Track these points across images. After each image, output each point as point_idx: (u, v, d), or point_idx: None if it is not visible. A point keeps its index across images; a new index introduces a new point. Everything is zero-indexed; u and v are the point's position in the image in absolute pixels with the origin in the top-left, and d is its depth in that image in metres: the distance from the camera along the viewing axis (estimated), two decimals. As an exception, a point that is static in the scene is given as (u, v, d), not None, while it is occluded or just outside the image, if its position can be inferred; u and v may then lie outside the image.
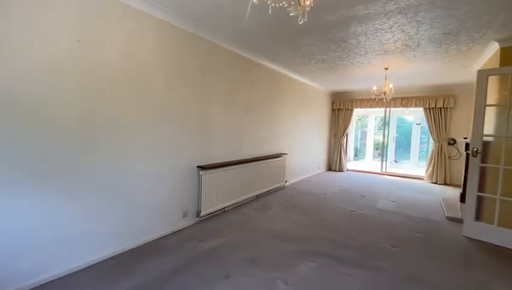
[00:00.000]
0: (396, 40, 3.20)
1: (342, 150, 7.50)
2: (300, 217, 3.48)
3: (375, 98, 4.94)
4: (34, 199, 1.82)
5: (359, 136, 10.67)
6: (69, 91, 1.96)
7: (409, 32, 2.94)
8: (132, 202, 2.46)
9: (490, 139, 3.00)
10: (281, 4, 1.30)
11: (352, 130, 8.28)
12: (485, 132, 2.89)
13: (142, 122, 2.50)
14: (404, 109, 6.93)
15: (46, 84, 1.84)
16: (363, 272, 2.20)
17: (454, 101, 5.98)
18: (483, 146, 2.92)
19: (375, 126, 10.34)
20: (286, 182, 5.19)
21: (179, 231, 2.91)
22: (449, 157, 6.10)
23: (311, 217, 3.49)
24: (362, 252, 2.55)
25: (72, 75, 1.97)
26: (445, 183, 6.04)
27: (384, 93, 4.60)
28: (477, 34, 2.93)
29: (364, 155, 10.29)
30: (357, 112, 7.68)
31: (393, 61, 4.12)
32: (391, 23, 2.71)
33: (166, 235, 2.78)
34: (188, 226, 3.04)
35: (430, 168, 6.26)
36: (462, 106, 5.92)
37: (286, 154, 5.05)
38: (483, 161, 2.95)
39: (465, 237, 3.01)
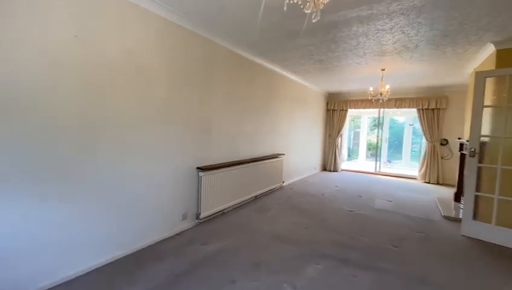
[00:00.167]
0: (396, 41, 3.22)
1: (337, 150, 7.55)
2: (301, 218, 3.45)
3: (371, 99, 4.98)
4: (26, 201, 1.71)
5: (352, 137, 10.79)
6: (68, 90, 1.86)
7: (409, 34, 2.96)
8: (131, 205, 2.37)
9: (486, 139, 3.05)
10: (295, 1, 1.26)
11: (346, 130, 8.35)
12: (481, 133, 2.94)
13: (143, 122, 2.41)
14: (396, 110, 7.03)
15: (45, 83, 1.74)
16: (370, 274, 2.18)
17: (446, 102, 6.10)
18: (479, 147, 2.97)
19: (368, 127, 10.49)
20: (283, 182, 5.16)
21: (178, 234, 2.83)
22: (441, 157, 6.23)
23: (312, 218, 3.47)
24: (366, 254, 2.54)
25: (72, 73, 1.87)
26: (437, 183, 6.16)
27: (381, 94, 4.64)
28: (474, 36, 2.98)
29: (357, 155, 10.40)
30: (350, 113, 7.74)
31: (390, 63, 4.15)
32: (393, 24, 2.72)
33: (166, 239, 2.70)
34: (188, 229, 2.96)
35: (423, 168, 6.37)
36: (454, 107, 6.06)
37: (283, 154, 5.02)
38: (479, 161, 2.99)
39: (463, 236, 3.05)
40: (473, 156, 2.97)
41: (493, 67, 3.16)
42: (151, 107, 2.49)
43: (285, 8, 1.34)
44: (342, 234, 2.98)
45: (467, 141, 3.48)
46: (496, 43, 3.11)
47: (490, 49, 3.29)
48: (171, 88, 2.68)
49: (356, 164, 9.44)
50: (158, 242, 2.62)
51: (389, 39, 3.14)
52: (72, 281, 1.94)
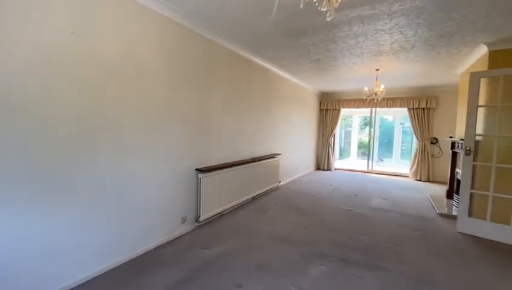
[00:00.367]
0: (393, 42, 3.25)
1: (330, 149, 7.61)
2: (300, 219, 3.44)
3: (366, 99, 5.03)
4: (19, 207, 1.60)
5: (343, 136, 10.92)
6: (65, 89, 1.75)
7: (406, 34, 2.99)
8: (131, 209, 2.27)
9: (479, 138, 3.12)
10: (310, -1, 1.22)
11: (337, 130, 8.41)
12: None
13: (142, 122, 2.32)
14: (386, 109, 7.13)
15: (40, 82, 1.62)
16: (374, 273, 2.19)
17: (436, 101, 6.26)
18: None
19: (358, 126, 10.65)
20: (280, 182, 5.15)
21: (178, 238, 2.75)
22: (432, 156, 6.38)
23: (311, 218, 3.46)
24: (367, 253, 2.54)
25: (68, 71, 1.76)
26: (428, 180, 6.31)
27: (376, 94, 4.69)
28: (470, 37, 3.04)
29: (348, 154, 10.55)
30: (342, 112, 7.80)
31: (386, 63, 4.20)
32: (392, 24, 2.73)
33: (166, 243, 2.61)
34: (187, 233, 2.89)
35: (415, 166, 6.51)
36: (444, 106, 6.22)
37: (280, 154, 5.00)
38: (474, 159, 3.06)
39: (459, 232, 3.12)
40: (469, 154, 3.04)
41: (485, 68, 3.24)
42: (151, 107, 2.40)
43: (301, 6, 1.30)
44: (342, 234, 2.98)
45: (461, 139, 3.57)
46: (488, 44, 3.18)
47: (482, 50, 3.37)
48: (170, 87, 2.60)
49: (348, 162, 9.57)
50: (158, 247, 2.53)
51: (387, 39, 3.16)
52: (70, 292, 1.84)
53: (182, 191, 2.83)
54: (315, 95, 7.33)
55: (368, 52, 3.67)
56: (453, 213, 3.75)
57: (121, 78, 2.12)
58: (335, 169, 7.75)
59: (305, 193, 4.78)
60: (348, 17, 2.59)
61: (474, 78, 3.00)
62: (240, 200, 3.80)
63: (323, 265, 2.30)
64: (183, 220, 2.86)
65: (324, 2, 1.16)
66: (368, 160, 7.54)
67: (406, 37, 3.08)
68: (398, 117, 9.02)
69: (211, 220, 3.21)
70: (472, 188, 3.09)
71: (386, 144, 10.10)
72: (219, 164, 3.35)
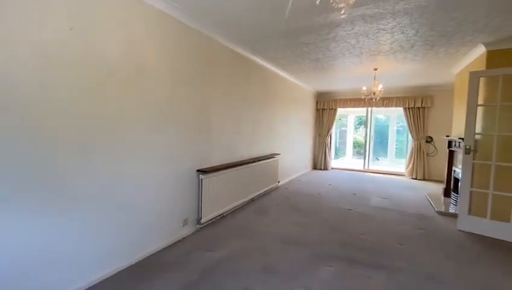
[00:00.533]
0: (394, 41, 3.26)
1: (327, 149, 7.63)
2: (302, 219, 3.41)
3: (364, 98, 5.05)
4: (17, 211, 1.52)
5: (338, 135, 11.00)
6: (64, 89, 1.67)
7: (408, 34, 3.00)
8: (131, 212, 2.20)
9: (477, 137, 3.15)
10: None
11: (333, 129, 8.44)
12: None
13: (143, 123, 2.25)
14: (380, 109, 7.19)
15: (38, 81, 1.54)
16: (383, 273, 2.17)
17: (431, 101, 6.34)
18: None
19: (353, 125, 10.73)
20: (279, 182, 5.12)
21: (180, 241, 2.68)
22: (427, 154, 6.47)
23: (313, 219, 3.44)
24: (373, 253, 2.53)
25: (68, 71, 1.68)
26: (424, 179, 6.39)
27: (374, 94, 4.71)
28: (469, 37, 3.07)
29: (344, 153, 10.61)
30: (338, 112, 7.81)
31: (384, 62, 4.22)
32: (395, 23, 2.73)
33: (169, 247, 2.54)
34: (189, 235, 2.82)
35: (410, 165, 6.59)
36: (438, 105, 6.31)
37: (279, 154, 4.97)
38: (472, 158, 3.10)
39: (460, 230, 3.15)
40: (469, 153, 3.07)
41: (482, 68, 3.28)
42: (152, 107, 2.33)
43: (317, 2, 1.26)
44: (345, 234, 2.97)
45: (459, 138, 3.61)
46: (486, 44, 3.23)
47: (480, 50, 3.42)
48: (171, 87, 2.53)
49: (343, 162, 9.62)
50: (160, 251, 2.46)
51: (388, 39, 3.17)
52: (71, 300, 1.76)
53: (183, 192, 2.76)
54: (312, 94, 7.33)
55: (367, 51, 3.68)
56: (451, 211, 3.79)
57: (122, 78, 2.05)
58: (332, 168, 7.78)
59: (305, 193, 4.77)
60: (351, 15, 2.57)
61: (474, 77, 3.04)
62: (240, 201, 3.75)
63: (330, 266, 2.27)
64: (185, 223, 2.80)
65: (342, -3, 1.13)
66: (364, 159, 7.59)
67: (407, 37, 3.10)
68: (393, 116, 9.12)
69: (212, 222, 3.15)
70: (471, 186, 3.13)
71: (380, 143, 10.21)
72: (220, 165, 3.29)
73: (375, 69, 4.60)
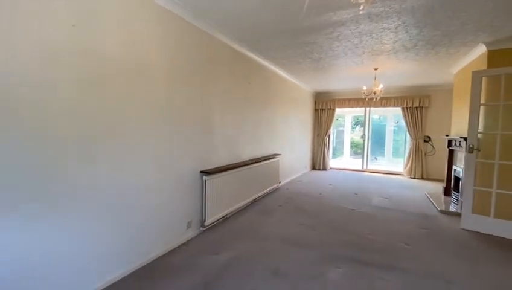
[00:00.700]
0: (397, 41, 3.25)
1: (325, 149, 7.63)
2: (307, 220, 3.37)
3: (365, 98, 5.05)
4: (16, 216, 1.44)
5: (335, 135, 11.02)
6: (65, 88, 1.60)
7: (411, 33, 3.00)
8: (134, 216, 2.13)
9: (479, 136, 3.15)
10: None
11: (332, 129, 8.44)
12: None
13: (146, 123, 2.18)
14: (378, 108, 7.21)
15: (39, 80, 1.47)
16: (393, 274, 2.15)
17: (429, 100, 6.40)
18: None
19: (350, 125, 10.76)
20: (279, 183, 5.08)
21: (184, 244, 2.62)
22: (425, 154, 6.51)
23: (317, 219, 3.40)
24: (381, 253, 2.51)
25: (69, 70, 1.61)
26: (422, 178, 6.44)
27: (374, 93, 4.72)
28: (471, 37, 3.09)
29: (341, 153, 10.64)
30: (336, 112, 7.82)
31: (385, 62, 4.23)
32: (400, 22, 2.72)
33: (173, 250, 2.48)
34: (193, 238, 2.76)
35: (409, 164, 6.63)
36: (436, 105, 6.37)
37: (280, 154, 4.94)
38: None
39: (463, 229, 3.15)
40: (472, 152, 3.08)
41: (483, 67, 3.30)
42: (153, 106, 2.26)
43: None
44: (351, 234, 2.94)
45: (461, 138, 3.63)
46: (487, 44, 3.25)
47: (480, 50, 3.44)
48: (173, 86, 2.47)
49: (341, 161, 9.63)
50: (165, 255, 2.39)
51: (391, 38, 3.16)
52: (75, 309, 1.68)
53: (187, 194, 2.70)
54: (310, 94, 7.33)
55: (369, 51, 3.67)
56: (452, 210, 3.81)
57: (123, 76, 1.98)
58: (330, 168, 7.78)
59: (306, 194, 4.74)
60: (356, 14, 2.55)
61: (477, 77, 3.05)
62: (243, 203, 3.70)
63: (339, 268, 2.24)
64: (189, 225, 2.73)
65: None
66: (363, 159, 7.61)
67: (410, 36, 3.09)
68: (389, 116, 9.18)
69: (215, 224, 3.09)
70: (474, 185, 3.13)
71: (376, 143, 10.27)
72: (222, 166, 3.24)
73: (376, 69, 4.60)
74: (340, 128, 11.00)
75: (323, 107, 7.58)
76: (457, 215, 3.61)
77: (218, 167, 3.13)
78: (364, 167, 7.55)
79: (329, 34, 3.04)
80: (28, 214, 1.46)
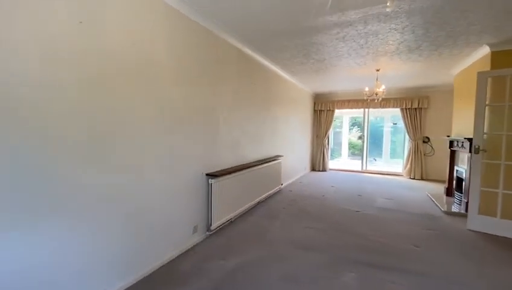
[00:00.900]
0: (402, 42, 3.24)
1: (325, 150, 7.62)
2: (313, 223, 3.33)
3: (367, 99, 5.05)
4: (17, 226, 1.35)
5: (333, 137, 11.05)
6: (70, 89, 1.52)
7: (417, 33, 2.99)
8: (140, 221, 2.05)
9: (484, 136, 3.16)
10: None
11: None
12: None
13: (151, 124, 2.10)
14: (377, 110, 7.21)
15: (40, 80, 1.39)
16: (407, 277, 2.12)
17: (428, 101, 6.44)
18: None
19: (348, 126, 10.80)
20: (282, 185, 5.03)
21: (191, 249, 2.54)
22: (424, 154, 6.55)
23: (323, 222, 3.36)
24: (392, 256, 2.48)
25: (74, 70, 1.54)
26: (421, 179, 6.46)
27: (376, 94, 4.72)
28: (475, 38, 3.10)
29: (339, 154, 10.67)
30: (335, 113, 7.82)
31: (388, 63, 4.22)
32: (407, 23, 2.71)
33: (180, 256, 2.40)
34: (200, 243, 2.68)
35: (408, 165, 6.65)
36: (435, 106, 6.41)
37: (282, 156, 4.89)
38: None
39: (469, 230, 3.15)
40: (478, 153, 3.08)
41: (486, 69, 3.31)
42: (160, 107, 2.18)
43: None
44: (359, 237, 2.91)
45: (465, 139, 3.64)
46: (491, 45, 3.27)
47: (483, 51, 3.46)
48: (181, 87, 2.40)
49: (339, 163, 9.65)
50: (172, 261, 2.31)
51: (397, 39, 3.15)
52: (82, 320, 1.60)
53: (192, 197, 2.63)
54: (310, 95, 7.31)
55: (373, 52, 3.66)
56: (456, 210, 3.81)
57: (130, 76, 1.91)
58: (330, 169, 7.77)
59: (309, 195, 4.70)
60: (366, 14, 2.53)
61: (482, 77, 3.06)
62: (247, 205, 3.64)
63: (352, 272, 2.19)
64: (195, 230, 2.66)
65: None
66: (362, 160, 7.62)
67: (416, 37, 3.08)
68: (387, 117, 9.24)
69: (221, 228, 3.02)
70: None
71: (373, 144, 10.32)
72: (228, 168, 3.17)
73: (378, 70, 4.60)
74: (337, 130, 11.04)
75: (322, 108, 7.57)
76: (462, 216, 3.62)
77: (224, 169, 3.06)
78: (364, 168, 7.56)
79: (336, 34, 3.01)
80: (31, 220, 1.37)
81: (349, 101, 7.23)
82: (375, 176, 6.99)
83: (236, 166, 3.36)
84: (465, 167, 3.94)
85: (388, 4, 1.17)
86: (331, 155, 10.23)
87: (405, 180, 6.45)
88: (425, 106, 6.42)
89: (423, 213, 3.78)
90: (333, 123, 7.72)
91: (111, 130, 1.77)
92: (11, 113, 1.27)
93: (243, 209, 3.48)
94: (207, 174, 2.79)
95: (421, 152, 6.51)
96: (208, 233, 2.82)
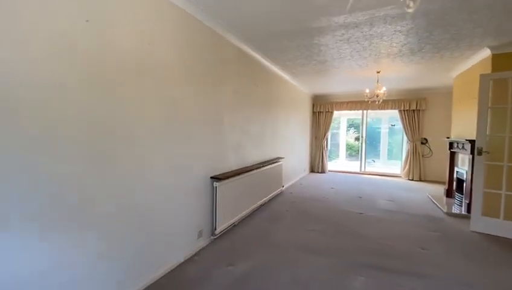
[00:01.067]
0: (406, 44, 3.25)
1: (324, 151, 7.62)
2: (317, 225, 3.30)
3: (368, 100, 5.06)
4: (21, 234, 1.29)
5: (330, 138, 11.07)
6: (77, 89, 1.46)
7: (421, 36, 3.00)
8: (144, 226, 1.98)
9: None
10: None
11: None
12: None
13: (157, 125, 2.05)
14: (375, 111, 7.26)
15: (47, 80, 1.32)
16: (415, 281, 2.09)
17: (426, 103, 6.50)
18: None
19: (345, 128, 10.85)
20: (283, 187, 4.99)
21: (196, 254, 2.48)
22: (422, 156, 6.60)
23: (327, 224, 3.33)
24: (400, 259, 2.46)
25: (81, 70, 1.48)
26: (420, 180, 6.51)
27: (377, 96, 4.73)
28: (477, 40, 3.12)
29: (337, 156, 10.70)
30: (333, 115, 7.83)
31: (389, 65, 4.24)
32: (413, 25, 2.71)
33: (185, 262, 2.34)
34: (205, 248, 2.62)
35: (407, 167, 6.70)
36: (433, 108, 6.48)
37: (283, 158, 4.86)
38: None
39: (473, 231, 3.16)
40: (481, 154, 3.10)
41: (486, 71, 3.34)
42: (165, 108, 2.13)
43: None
44: (365, 239, 2.89)
45: (467, 140, 3.66)
46: (492, 48, 3.30)
47: (484, 54, 3.49)
48: (188, 88, 2.35)
49: (337, 164, 9.67)
50: (177, 267, 2.25)
51: (401, 41, 3.16)
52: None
53: (197, 201, 2.57)
54: (309, 97, 7.31)
55: (376, 54, 3.66)
56: (456, 212, 3.83)
57: (136, 78, 1.85)
58: (329, 171, 7.77)
59: (311, 197, 4.67)
60: (373, 16, 2.51)
61: (485, 80, 3.08)
62: (250, 208, 3.59)
63: (362, 276, 2.17)
64: (200, 234, 2.60)
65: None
66: (360, 161, 7.65)
67: (420, 39, 3.09)
68: (384, 119, 9.31)
69: (225, 232, 2.96)
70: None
71: (370, 145, 10.38)
72: (232, 171, 3.12)
73: (378, 72, 4.61)
74: (334, 131, 11.08)
75: (321, 110, 7.58)
76: (464, 217, 3.64)
77: (228, 172, 3.01)
78: (362, 170, 7.58)
79: (341, 36, 3.00)
80: (34, 227, 1.31)
81: (348, 102, 7.25)
82: (374, 177, 7.02)
83: (240, 168, 3.32)
84: (466, 168, 3.96)
85: (410, 5, 1.13)
86: (328, 156, 10.30)
87: (404, 181, 6.48)
88: (424, 108, 6.48)
89: (425, 215, 3.79)
90: (331, 125, 7.74)
91: (112, 131, 1.71)
92: (11, 113, 1.20)
93: (246, 212, 3.43)
94: (212, 177, 2.74)
95: (419, 153, 6.56)
96: (212, 237, 2.76)
